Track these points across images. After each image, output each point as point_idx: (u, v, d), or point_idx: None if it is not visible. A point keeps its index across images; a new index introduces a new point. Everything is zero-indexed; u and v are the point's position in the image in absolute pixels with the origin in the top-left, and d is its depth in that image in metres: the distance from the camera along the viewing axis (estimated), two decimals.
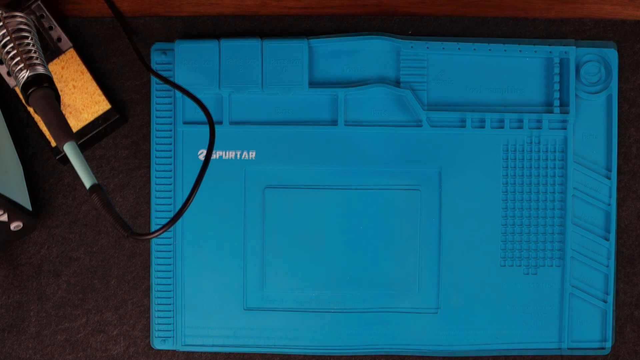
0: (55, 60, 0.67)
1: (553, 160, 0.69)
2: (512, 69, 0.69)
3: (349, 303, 0.68)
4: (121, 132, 0.69)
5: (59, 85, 0.67)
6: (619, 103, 0.70)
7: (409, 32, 0.70)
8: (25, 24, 0.60)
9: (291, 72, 0.67)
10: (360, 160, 0.68)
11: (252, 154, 0.68)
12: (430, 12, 0.70)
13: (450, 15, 0.70)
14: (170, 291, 0.68)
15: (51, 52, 0.67)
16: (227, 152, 0.68)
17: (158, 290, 0.68)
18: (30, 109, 0.67)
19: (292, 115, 0.68)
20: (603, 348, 0.69)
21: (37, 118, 0.67)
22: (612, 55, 0.69)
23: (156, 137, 0.68)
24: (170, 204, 0.68)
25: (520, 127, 0.68)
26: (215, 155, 0.68)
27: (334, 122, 0.68)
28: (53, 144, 0.67)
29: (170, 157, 0.68)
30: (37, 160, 0.69)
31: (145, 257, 0.69)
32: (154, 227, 0.68)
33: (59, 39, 0.67)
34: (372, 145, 0.68)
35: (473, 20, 0.70)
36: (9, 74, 0.66)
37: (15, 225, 0.63)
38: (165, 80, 0.62)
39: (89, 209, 0.69)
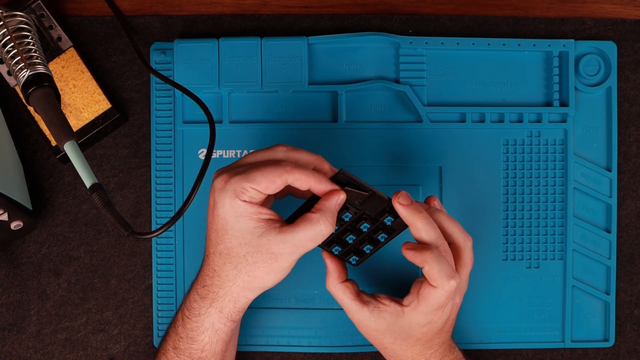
0: (56, 60, 0.67)
1: (553, 154, 0.69)
2: (511, 64, 0.69)
3: None
4: (121, 131, 0.69)
5: (59, 85, 0.67)
6: (618, 102, 0.70)
7: (410, 32, 0.70)
8: (26, 23, 0.60)
9: (291, 70, 0.67)
10: (360, 157, 0.68)
11: None
12: (431, 11, 0.70)
13: (450, 15, 0.70)
14: (171, 290, 0.68)
15: (51, 51, 0.67)
16: (228, 151, 0.68)
17: (160, 290, 0.68)
18: (31, 108, 0.67)
19: (292, 113, 0.68)
20: (606, 340, 0.69)
21: (38, 117, 0.67)
22: (611, 48, 0.69)
23: (156, 137, 0.68)
24: (171, 203, 0.68)
25: (520, 122, 0.68)
26: (216, 154, 0.68)
27: (334, 120, 0.68)
28: (53, 143, 0.67)
29: (171, 157, 0.68)
30: (38, 159, 0.69)
31: (145, 256, 0.69)
32: (154, 226, 0.68)
33: (59, 38, 0.67)
34: (372, 142, 0.68)
35: (473, 20, 0.70)
36: (9, 73, 0.66)
37: (15, 225, 0.63)
38: (166, 79, 0.62)
39: (90, 208, 0.69)
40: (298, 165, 0.54)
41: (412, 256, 0.56)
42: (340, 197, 0.54)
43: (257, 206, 0.53)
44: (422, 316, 0.57)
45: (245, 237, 0.53)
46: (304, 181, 0.53)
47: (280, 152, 0.56)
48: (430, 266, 0.55)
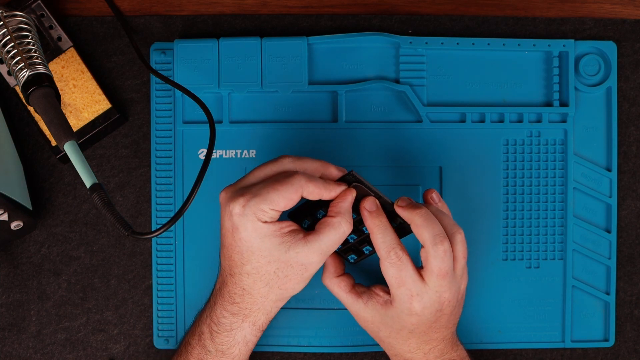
0: (56, 60, 0.67)
1: (553, 154, 0.69)
2: (511, 64, 0.69)
3: None
4: (121, 131, 0.69)
5: (59, 85, 0.67)
6: (618, 102, 0.70)
7: (409, 31, 0.70)
8: (26, 23, 0.60)
9: (291, 70, 0.67)
10: (360, 157, 0.68)
11: (253, 153, 0.68)
12: (431, 11, 0.70)
13: (450, 14, 0.70)
14: (172, 290, 0.68)
15: (51, 51, 0.67)
16: (228, 151, 0.68)
17: (160, 290, 0.68)
18: (31, 108, 0.67)
19: (292, 113, 0.68)
20: (606, 340, 0.69)
21: (38, 117, 0.67)
22: (611, 48, 0.69)
23: (156, 137, 0.68)
24: (171, 203, 0.68)
25: (520, 122, 0.68)
26: (216, 154, 0.68)
27: (334, 120, 0.68)
28: (53, 143, 0.67)
29: (171, 157, 0.68)
30: (38, 159, 0.69)
31: (145, 256, 0.69)
32: (154, 226, 0.68)
33: (59, 38, 0.67)
34: (372, 142, 0.68)
35: (473, 20, 0.70)
36: (9, 73, 0.66)
37: (15, 225, 0.63)
38: (166, 79, 0.62)
39: (90, 208, 0.69)
40: (310, 178, 0.55)
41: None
42: (352, 195, 0.56)
43: (278, 222, 0.55)
44: (402, 302, 0.57)
45: (272, 255, 0.55)
46: (316, 193, 0.55)
47: (287, 164, 0.57)
48: (374, 237, 0.57)
